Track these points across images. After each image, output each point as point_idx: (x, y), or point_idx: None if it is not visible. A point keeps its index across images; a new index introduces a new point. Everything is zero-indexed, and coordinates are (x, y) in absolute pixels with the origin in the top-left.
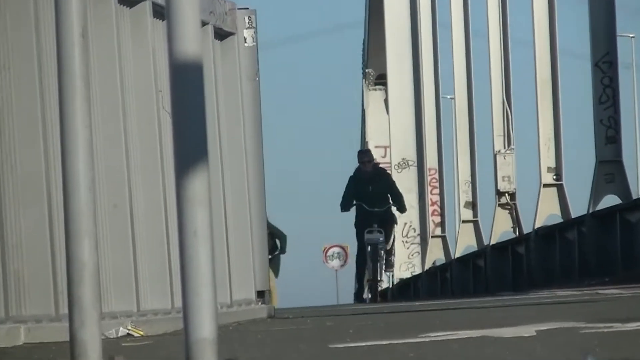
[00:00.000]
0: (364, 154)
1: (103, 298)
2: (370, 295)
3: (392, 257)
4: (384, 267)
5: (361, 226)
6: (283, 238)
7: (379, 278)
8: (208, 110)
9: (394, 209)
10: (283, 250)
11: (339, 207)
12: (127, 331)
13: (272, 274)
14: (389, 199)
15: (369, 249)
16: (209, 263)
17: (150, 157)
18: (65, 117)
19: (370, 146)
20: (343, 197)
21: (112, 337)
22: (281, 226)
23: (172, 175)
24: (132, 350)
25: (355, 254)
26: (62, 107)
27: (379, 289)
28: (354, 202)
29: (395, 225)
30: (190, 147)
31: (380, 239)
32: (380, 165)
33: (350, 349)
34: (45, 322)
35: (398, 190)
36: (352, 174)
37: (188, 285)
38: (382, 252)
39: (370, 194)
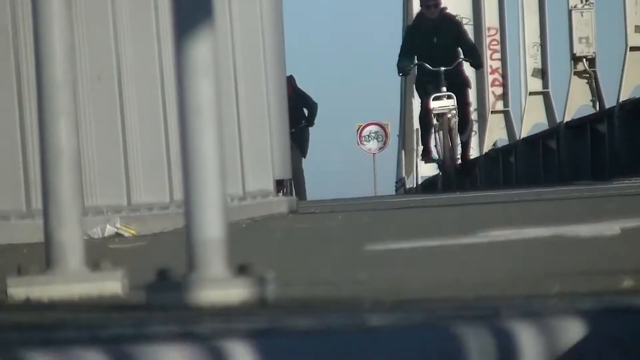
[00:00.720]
0: None
1: (85, 190)
2: (442, 180)
3: (469, 128)
4: (457, 141)
5: (425, 91)
6: (314, 106)
7: (453, 156)
8: None
9: (466, 66)
10: (311, 122)
11: (396, 69)
12: (116, 230)
13: (297, 154)
14: (459, 54)
15: (436, 120)
16: (216, 146)
17: (143, 14)
18: None
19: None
20: (400, 53)
21: (96, 237)
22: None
23: (170, 38)
24: (122, 254)
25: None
26: None
27: (455, 167)
28: (415, 61)
29: (469, 88)
30: (192, 2)
31: (452, 105)
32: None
33: (391, 252)
34: (14, 219)
35: (471, 40)
36: (408, 31)
37: (190, 174)
38: (455, 122)
39: (435, 47)
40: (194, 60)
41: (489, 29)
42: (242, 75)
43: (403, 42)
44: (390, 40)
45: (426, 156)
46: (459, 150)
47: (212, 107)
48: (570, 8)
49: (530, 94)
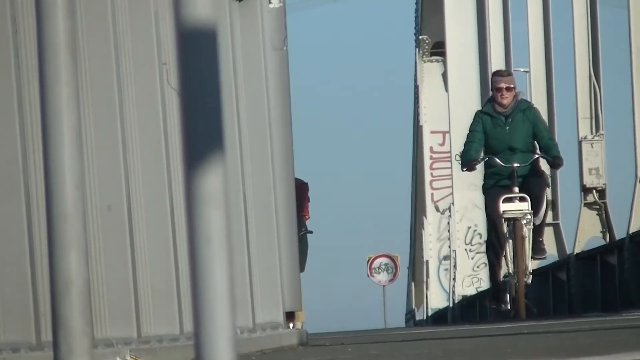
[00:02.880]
0: (502, 77)
1: (95, 321)
2: (509, 301)
3: (542, 238)
4: (530, 252)
5: (493, 192)
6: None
7: (525, 268)
8: (225, 87)
9: (542, 163)
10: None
11: (460, 164)
12: None
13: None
14: (535, 148)
15: (506, 226)
16: (226, 278)
17: (153, 147)
18: (46, 97)
19: (425, 131)
20: (466, 143)
21: None
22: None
23: (180, 170)
24: None
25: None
26: (42, 84)
27: (527, 284)
28: (482, 155)
29: (548, 187)
30: (203, 134)
31: (526, 209)
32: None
33: None
34: (24, 351)
35: (548, 132)
36: (477, 116)
37: (201, 306)
38: (529, 229)
39: (508, 139)
40: (204, 191)
41: None
42: (252, 205)
43: (471, 130)
44: (400, 171)
45: (496, 304)
46: (530, 267)
47: (223, 238)
48: (580, 139)
49: None
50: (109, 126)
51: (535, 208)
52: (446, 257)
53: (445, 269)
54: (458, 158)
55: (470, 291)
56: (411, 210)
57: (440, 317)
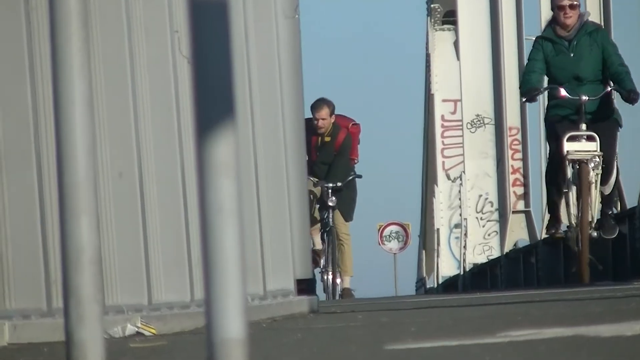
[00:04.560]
0: None
1: (106, 289)
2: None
3: (613, 179)
4: (596, 201)
5: (557, 124)
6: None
7: (591, 220)
8: (236, 55)
9: (615, 96)
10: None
11: (518, 92)
12: (136, 329)
13: (340, 218)
14: (607, 80)
15: (570, 168)
16: (237, 246)
17: (164, 115)
18: (57, 61)
19: (437, 99)
20: (525, 73)
21: (117, 336)
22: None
23: (191, 138)
24: (142, 353)
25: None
26: (53, 49)
27: (590, 238)
28: (544, 84)
29: (620, 128)
30: (214, 102)
31: (594, 150)
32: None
33: (411, 351)
34: (34, 318)
35: (620, 57)
36: (536, 43)
37: (211, 273)
38: (597, 174)
39: (573, 67)
40: (215, 159)
41: (510, 128)
42: (263, 173)
43: (530, 57)
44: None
45: (554, 226)
46: (597, 214)
47: (233, 206)
48: None
49: None
50: (121, 94)
51: (607, 149)
52: (457, 225)
53: (456, 237)
54: (470, 127)
55: (481, 259)
56: (422, 178)
57: (450, 285)
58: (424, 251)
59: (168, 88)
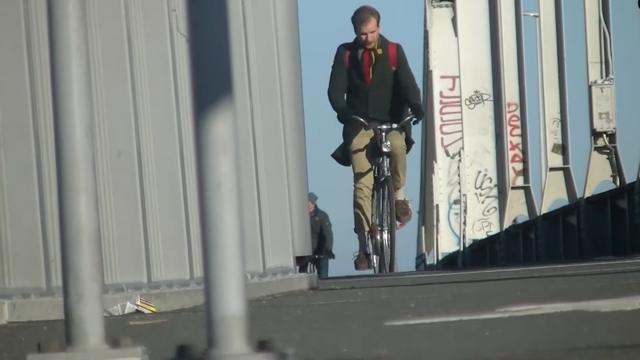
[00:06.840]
0: None
1: (105, 267)
2: None
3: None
4: None
5: None
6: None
7: None
8: (233, 31)
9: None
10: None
11: None
12: (136, 307)
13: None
14: None
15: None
16: (236, 223)
17: (162, 92)
18: (55, 41)
19: (435, 76)
20: None
21: (117, 314)
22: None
23: (189, 115)
24: (142, 331)
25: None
26: (51, 28)
27: None
28: None
29: None
30: (212, 80)
31: None
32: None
33: (412, 327)
34: (34, 297)
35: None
36: None
37: (210, 251)
38: None
39: None
40: (213, 137)
41: (509, 104)
42: (261, 150)
43: None
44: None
45: None
46: None
47: (232, 183)
48: (590, 83)
49: (551, 169)
50: (119, 73)
51: None
52: (456, 202)
53: (456, 213)
54: (468, 103)
55: (481, 235)
56: (421, 154)
57: (450, 262)
58: (423, 227)
59: (166, 67)
